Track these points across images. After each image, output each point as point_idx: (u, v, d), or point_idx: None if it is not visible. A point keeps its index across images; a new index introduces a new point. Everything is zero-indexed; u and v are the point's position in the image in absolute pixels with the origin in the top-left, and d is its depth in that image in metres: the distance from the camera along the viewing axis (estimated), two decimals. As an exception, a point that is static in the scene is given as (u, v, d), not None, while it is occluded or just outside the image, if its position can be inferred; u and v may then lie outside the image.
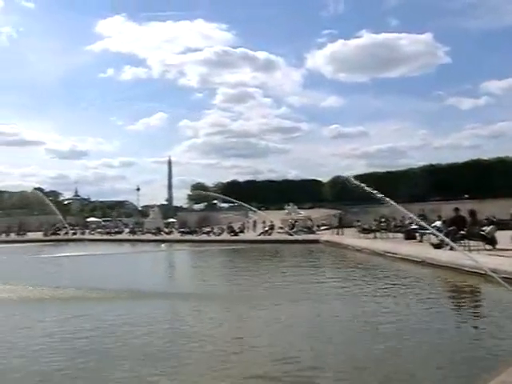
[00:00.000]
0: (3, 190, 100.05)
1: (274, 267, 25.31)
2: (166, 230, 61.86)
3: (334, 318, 11.82)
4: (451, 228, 23.33)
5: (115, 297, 15.93)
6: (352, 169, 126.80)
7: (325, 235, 43.21)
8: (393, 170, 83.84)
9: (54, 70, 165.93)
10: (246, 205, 57.83)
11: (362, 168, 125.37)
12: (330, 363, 8.28)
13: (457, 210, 25.08)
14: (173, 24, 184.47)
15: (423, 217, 32.52)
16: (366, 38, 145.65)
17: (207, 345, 9.52)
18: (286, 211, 66.25)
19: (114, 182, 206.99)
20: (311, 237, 43.62)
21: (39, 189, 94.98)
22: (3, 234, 62.72)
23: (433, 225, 27.19)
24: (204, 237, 52.20)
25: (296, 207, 67.95)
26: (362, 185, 17.62)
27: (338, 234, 43.88)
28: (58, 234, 61.15)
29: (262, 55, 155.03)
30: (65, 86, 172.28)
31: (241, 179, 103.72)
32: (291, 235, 46.18)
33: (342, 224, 46.79)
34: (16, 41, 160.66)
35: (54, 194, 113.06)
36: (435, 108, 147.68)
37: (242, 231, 54.42)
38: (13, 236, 61.94)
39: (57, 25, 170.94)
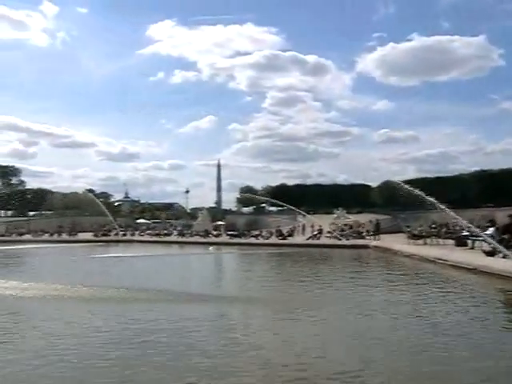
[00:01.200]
0: (55, 191, 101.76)
1: (323, 272, 25.03)
2: (215, 232, 62.01)
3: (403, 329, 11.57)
4: (505, 235, 22.73)
5: (164, 299, 16.00)
6: (401, 174, 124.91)
7: (374, 240, 42.78)
8: (443, 175, 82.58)
9: (105, 74, 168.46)
10: (294, 208, 57.57)
11: (411, 173, 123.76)
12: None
13: (511, 216, 24.44)
14: (223, 28, 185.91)
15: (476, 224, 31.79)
16: (417, 40, 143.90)
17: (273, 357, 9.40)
18: (335, 215, 65.78)
19: (164, 185, 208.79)
20: (360, 242, 43.17)
21: (90, 190, 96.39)
22: (55, 234, 63.78)
23: (485, 232, 26.49)
24: (252, 240, 52.07)
25: (345, 212, 67.43)
26: (416, 191, 17.29)
27: (374, 239, 43.62)
28: (109, 235, 61.84)
29: (311, 59, 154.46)
30: (116, 89, 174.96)
31: (289, 183, 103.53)
32: (340, 240, 45.75)
33: (379, 230, 46.46)
34: (69, 45, 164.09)
35: (104, 196, 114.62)
36: (488, 112, 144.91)
37: (290, 235, 54.13)
38: (64, 236, 62.89)
39: (109, 29, 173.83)
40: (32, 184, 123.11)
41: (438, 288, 17.38)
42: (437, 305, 14.32)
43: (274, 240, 50.59)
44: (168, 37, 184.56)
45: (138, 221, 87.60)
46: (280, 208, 77.51)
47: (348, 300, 15.40)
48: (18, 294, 16.89)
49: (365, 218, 61.35)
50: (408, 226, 43.56)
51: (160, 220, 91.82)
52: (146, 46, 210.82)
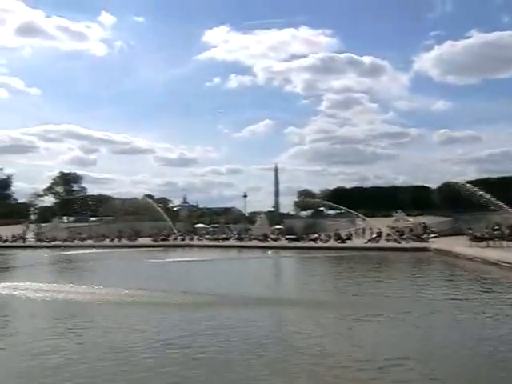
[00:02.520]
0: (115, 196, 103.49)
1: (383, 276, 24.75)
2: (273, 236, 61.96)
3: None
4: None
5: (230, 303, 16.16)
6: (462, 174, 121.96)
7: (434, 243, 41.99)
8: (507, 175, 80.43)
9: (162, 81, 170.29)
10: (352, 211, 57.09)
11: (472, 174, 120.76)
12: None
13: None
14: (277, 32, 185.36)
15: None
16: (476, 37, 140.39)
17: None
18: (394, 218, 64.84)
19: (222, 189, 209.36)
20: (420, 245, 42.47)
21: (149, 196, 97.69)
22: (116, 240, 64.77)
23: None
24: (311, 244, 51.85)
25: (404, 214, 66.42)
26: (479, 191, 16.90)
27: (422, 241, 43.18)
28: (168, 240, 62.44)
29: (367, 60, 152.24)
30: (173, 95, 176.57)
31: (347, 186, 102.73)
32: (399, 243, 45.14)
33: (428, 232, 46.04)
34: (127, 54, 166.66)
35: (163, 201, 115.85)
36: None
37: (349, 238, 53.67)
38: (124, 241, 63.76)
39: (165, 37, 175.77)
40: (93, 190, 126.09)
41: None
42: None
43: (332, 243, 50.24)
44: (223, 42, 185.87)
45: (197, 225, 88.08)
46: (338, 211, 76.86)
47: (423, 304, 15.23)
48: (88, 298, 17.43)
49: (425, 221, 60.39)
50: (470, 228, 42.55)
51: (218, 224, 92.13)
52: (202, 51, 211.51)
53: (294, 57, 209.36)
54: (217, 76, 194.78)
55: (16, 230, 71.29)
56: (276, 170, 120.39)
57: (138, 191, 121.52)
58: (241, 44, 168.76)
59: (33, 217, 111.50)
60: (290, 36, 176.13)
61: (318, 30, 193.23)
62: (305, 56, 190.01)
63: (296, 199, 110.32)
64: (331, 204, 69.74)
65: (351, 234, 56.40)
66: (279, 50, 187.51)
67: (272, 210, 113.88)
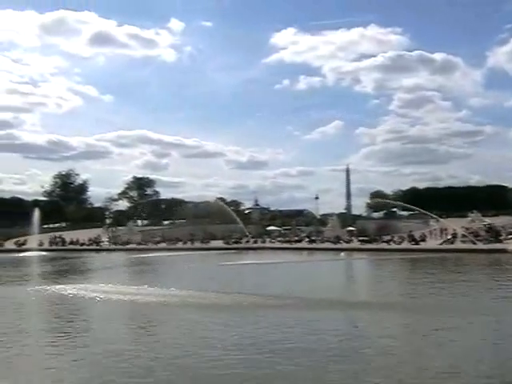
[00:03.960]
0: (187, 200, 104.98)
1: (466, 278, 24.23)
2: (346, 238, 61.49)
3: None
4: None
5: (307, 306, 16.26)
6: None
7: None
8: None
9: (231, 84, 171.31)
10: (426, 212, 56.19)
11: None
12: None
13: None
14: (346, 31, 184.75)
15: None
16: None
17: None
18: (470, 219, 63.40)
19: (293, 191, 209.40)
20: (497, 246, 41.41)
21: (221, 199, 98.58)
22: (188, 242, 65.57)
23: None
24: (384, 245, 51.21)
25: (480, 215, 64.87)
26: None
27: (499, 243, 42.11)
28: (240, 243, 62.72)
29: (439, 57, 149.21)
30: (242, 98, 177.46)
31: (420, 186, 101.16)
32: (475, 244, 44.12)
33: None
34: (196, 58, 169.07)
35: (235, 204, 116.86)
36: None
37: (423, 240, 52.73)
38: (197, 244, 64.45)
39: (233, 40, 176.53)
40: (165, 194, 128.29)
41: None
42: None
43: (406, 245, 49.53)
44: (291, 44, 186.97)
45: (269, 228, 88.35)
46: (411, 212, 75.87)
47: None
48: (165, 300, 17.84)
49: (501, 221, 58.88)
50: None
51: (290, 227, 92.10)
52: (271, 54, 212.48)
53: (364, 56, 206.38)
54: (286, 78, 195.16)
55: (93, 233, 73.15)
56: (347, 171, 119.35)
57: (209, 194, 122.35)
58: (309, 45, 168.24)
59: (108, 221, 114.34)
60: (359, 35, 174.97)
61: (388, 29, 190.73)
62: (374, 55, 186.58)
63: (368, 200, 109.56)
64: (404, 205, 68.96)
65: (425, 236, 55.41)
66: (348, 50, 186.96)
67: (344, 211, 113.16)
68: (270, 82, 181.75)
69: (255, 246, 59.70)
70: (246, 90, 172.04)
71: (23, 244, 65.46)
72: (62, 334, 12.87)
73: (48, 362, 10.39)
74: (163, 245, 64.81)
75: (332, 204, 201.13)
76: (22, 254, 53.35)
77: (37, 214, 62.94)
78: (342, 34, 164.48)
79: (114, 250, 60.69)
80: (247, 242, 63.33)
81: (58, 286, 22.34)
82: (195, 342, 11.84)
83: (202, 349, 10.98)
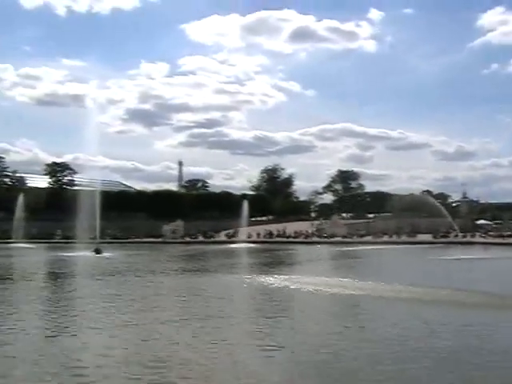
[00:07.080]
0: (392, 193, 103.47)
1: None
2: None
3: None
4: None
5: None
6: None
7: None
8: None
9: (435, 72, 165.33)
10: None
11: None
12: None
13: None
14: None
15: None
16: None
17: None
18: None
19: (505, 183, 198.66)
20: None
21: (427, 191, 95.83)
22: (394, 236, 64.68)
23: None
24: None
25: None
26: None
27: None
28: (448, 237, 60.71)
29: None
30: (447, 86, 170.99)
31: None
32: None
33: None
34: (397, 47, 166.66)
35: (442, 197, 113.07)
36: None
37: None
38: (403, 238, 63.42)
39: (435, 26, 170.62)
40: (370, 187, 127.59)
41: None
42: None
43: None
44: (499, 24, 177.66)
45: (478, 221, 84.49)
46: None
47: None
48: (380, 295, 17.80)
49: None
50: None
51: (501, 220, 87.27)
52: (476, 37, 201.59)
53: None
54: (494, 62, 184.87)
55: (299, 226, 74.61)
56: None
57: (414, 187, 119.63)
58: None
59: (313, 214, 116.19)
60: None
61: None
62: None
63: None
64: None
65: None
66: None
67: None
68: (476, 67, 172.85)
69: (464, 240, 57.26)
70: (450, 77, 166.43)
71: (233, 236, 68.45)
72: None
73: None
74: (368, 238, 64.69)
75: None
76: (232, 246, 55.71)
77: (246, 206, 65.32)
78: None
79: (319, 242, 61.35)
80: (455, 236, 60.93)
81: (273, 276, 23.59)
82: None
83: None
